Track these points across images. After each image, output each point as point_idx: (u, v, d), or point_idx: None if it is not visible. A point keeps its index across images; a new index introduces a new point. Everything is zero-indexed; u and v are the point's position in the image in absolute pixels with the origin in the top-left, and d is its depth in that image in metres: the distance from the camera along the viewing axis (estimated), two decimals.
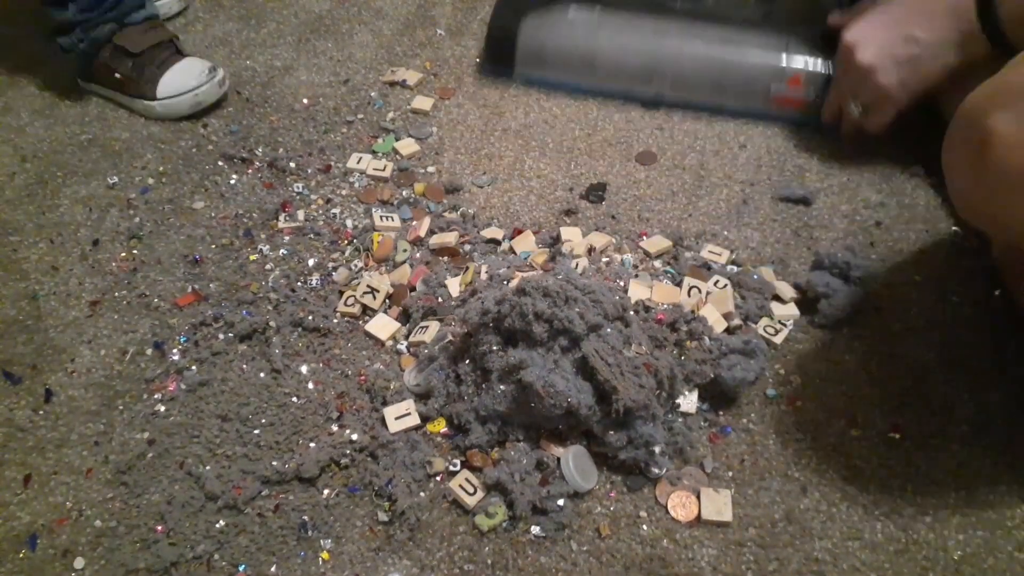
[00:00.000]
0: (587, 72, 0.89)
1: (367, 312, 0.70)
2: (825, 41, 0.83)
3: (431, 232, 0.75)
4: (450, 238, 0.73)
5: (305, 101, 0.92)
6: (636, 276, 0.69)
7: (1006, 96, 0.49)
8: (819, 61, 0.83)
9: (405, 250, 0.73)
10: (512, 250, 0.73)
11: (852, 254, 0.70)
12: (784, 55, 0.84)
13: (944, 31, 0.69)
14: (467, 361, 0.61)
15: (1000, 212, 0.51)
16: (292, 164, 0.84)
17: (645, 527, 0.56)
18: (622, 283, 0.67)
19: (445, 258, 0.73)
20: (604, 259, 0.71)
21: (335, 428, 0.62)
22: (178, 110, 0.88)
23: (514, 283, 0.64)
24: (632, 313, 0.62)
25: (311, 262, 0.74)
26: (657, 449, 0.58)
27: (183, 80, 0.87)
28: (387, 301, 0.70)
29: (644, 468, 0.58)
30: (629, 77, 0.88)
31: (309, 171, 0.83)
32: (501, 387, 0.57)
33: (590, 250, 0.72)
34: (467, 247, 0.74)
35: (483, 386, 0.59)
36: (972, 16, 0.66)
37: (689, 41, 0.86)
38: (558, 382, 0.55)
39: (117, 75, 0.88)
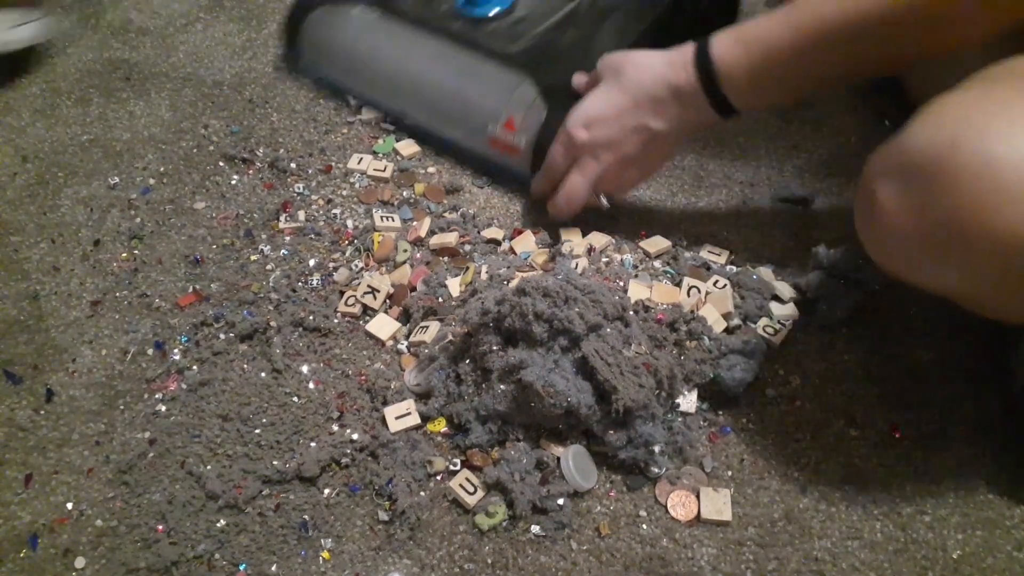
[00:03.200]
0: (352, 75, 0.87)
1: (367, 312, 0.70)
2: (564, 88, 0.75)
3: (431, 232, 0.75)
4: (450, 238, 0.73)
5: (306, 101, 0.92)
6: (636, 276, 0.69)
7: (892, 164, 0.49)
8: (540, 110, 0.74)
9: (405, 250, 0.74)
10: (512, 250, 0.74)
11: (851, 254, 0.69)
12: (507, 96, 0.77)
13: (674, 117, 0.66)
14: (467, 361, 0.61)
15: (900, 271, 0.52)
16: (293, 164, 0.84)
17: (645, 526, 0.56)
18: (622, 283, 0.68)
19: (445, 258, 0.73)
20: (604, 259, 0.71)
21: (336, 428, 0.62)
22: None
23: (514, 283, 0.64)
24: (632, 313, 0.62)
25: (312, 262, 0.74)
26: (657, 449, 0.58)
27: None
28: (387, 301, 0.70)
29: (644, 468, 0.58)
30: (380, 88, 0.86)
31: (310, 171, 0.83)
32: (501, 387, 0.58)
33: (590, 250, 0.72)
34: (467, 247, 0.74)
35: (483, 386, 0.59)
36: (699, 97, 0.63)
37: (430, 63, 0.82)
38: (558, 382, 0.55)
39: None
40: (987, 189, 0.44)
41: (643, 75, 0.66)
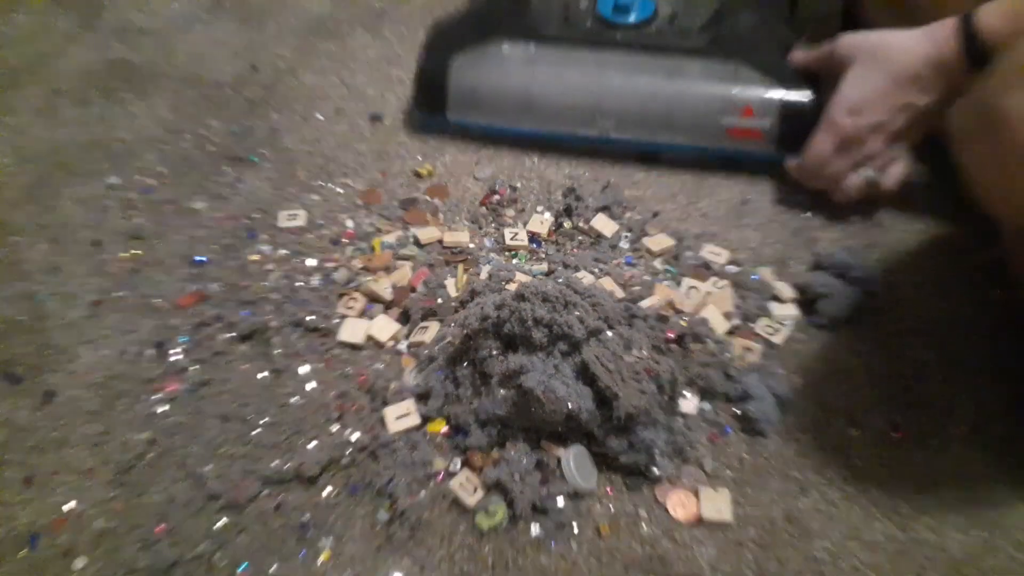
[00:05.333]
0: (525, 114, 0.81)
1: (367, 314, 0.70)
2: (780, 67, 0.79)
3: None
4: (463, 237, 0.74)
5: (306, 102, 0.92)
6: (662, 281, 0.69)
7: (1018, 77, 0.51)
8: (773, 88, 0.77)
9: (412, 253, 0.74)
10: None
11: (851, 255, 0.70)
12: (734, 84, 0.78)
13: (936, 89, 0.68)
14: (465, 364, 0.61)
15: (1018, 193, 0.53)
16: (293, 164, 0.84)
17: (645, 527, 0.56)
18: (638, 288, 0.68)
19: (449, 252, 0.73)
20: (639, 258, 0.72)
21: (335, 428, 0.62)
22: None
23: (513, 288, 0.64)
24: (634, 316, 0.62)
25: (312, 262, 0.74)
26: (657, 452, 0.58)
27: None
28: (387, 302, 0.70)
29: (644, 469, 0.58)
30: (570, 118, 0.81)
31: (310, 171, 0.83)
32: (501, 392, 0.57)
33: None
34: (470, 246, 0.74)
35: (482, 390, 0.59)
36: (959, 61, 0.65)
37: (632, 75, 0.79)
38: (558, 387, 0.55)
39: None
40: None
41: (904, 55, 0.68)
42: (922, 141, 0.74)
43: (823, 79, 0.77)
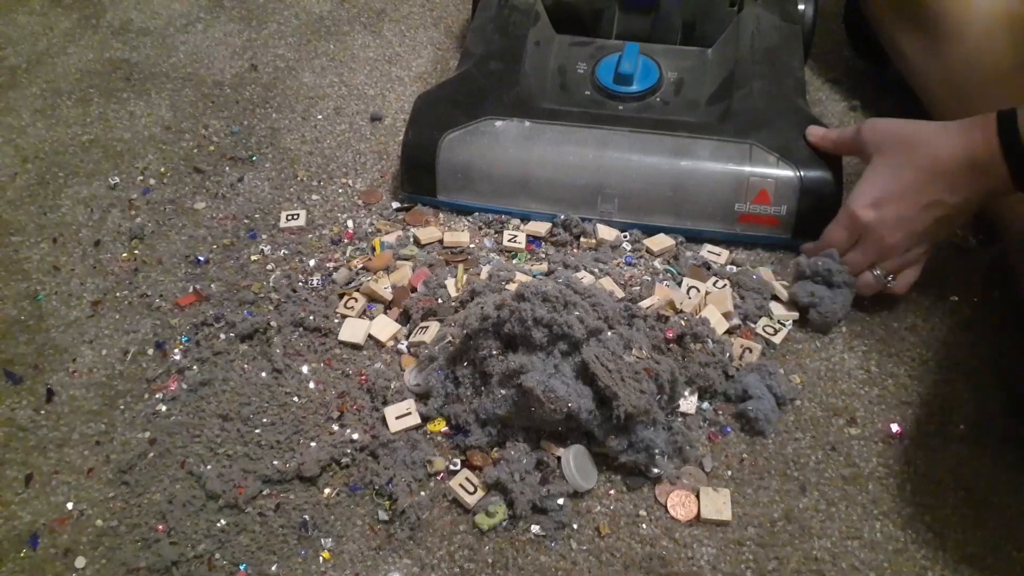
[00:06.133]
0: (521, 196, 0.75)
1: (367, 314, 0.70)
2: (797, 146, 0.72)
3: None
4: (463, 237, 0.74)
5: (306, 101, 0.92)
6: (663, 282, 0.69)
7: None
8: (790, 171, 0.70)
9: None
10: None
11: (832, 259, 0.68)
12: (748, 166, 0.71)
13: (968, 189, 0.62)
14: (465, 364, 0.61)
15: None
16: (293, 164, 0.84)
17: (645, 526, 0.56)
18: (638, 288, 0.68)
19: (449, 252, 0.73)
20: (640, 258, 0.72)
21: (336, 428, 0.62)
22: None
23: (513, 288, 0.64)
24: (634, 316, 0.62)
25: (312, 262, 0.74)
26: (657, 452, 0.58)
27: None
28: (387, 302, 0.70)
29: (644, 469, 0.58)
30: (569, 200, 0.74)
31: (310, 170, 0.83)
32: (501, 392, 0.57)
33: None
34: (471, 247, 0.75)
35: (482, 389, 0.59)
36: (1000, 169, 0.59)
37: (636, 154, 0.73)
38: (558, 387, 0.55)
39: None
40: None
41: (938, 150, 0.62)
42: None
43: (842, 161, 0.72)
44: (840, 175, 0.71)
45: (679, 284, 0.69)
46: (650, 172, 0.73)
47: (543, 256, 0.74)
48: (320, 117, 0.90)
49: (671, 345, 0.62)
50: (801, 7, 0.87)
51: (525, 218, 0.77)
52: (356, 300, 0.69)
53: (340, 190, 0.81)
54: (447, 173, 0.75)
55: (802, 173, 0.71)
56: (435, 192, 0.77)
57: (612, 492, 0.58)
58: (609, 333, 0.58)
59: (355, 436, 0.61)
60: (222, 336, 0.68)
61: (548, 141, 0.74)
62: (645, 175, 0.73)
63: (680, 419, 0.61)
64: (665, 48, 0.86)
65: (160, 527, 0.57)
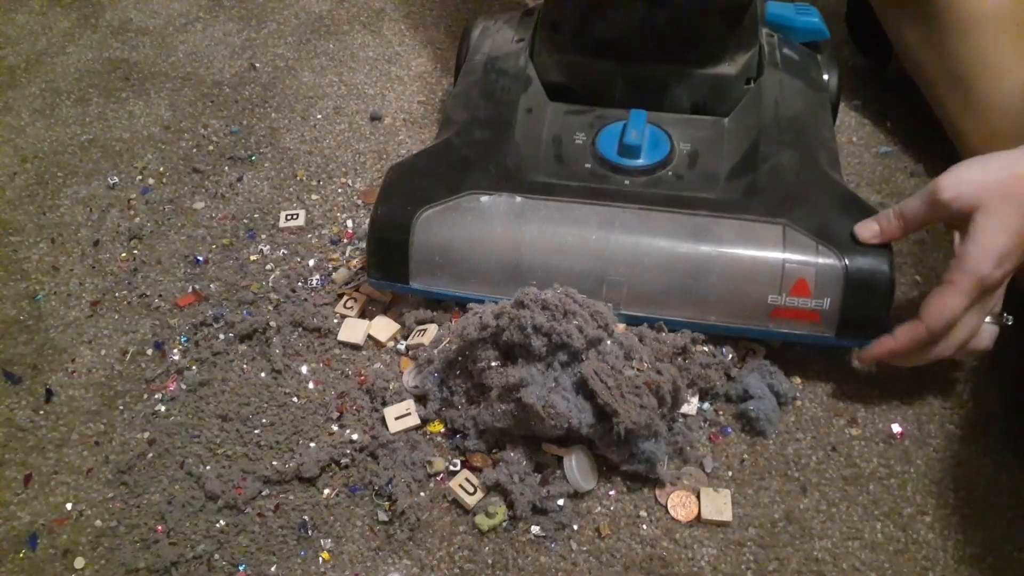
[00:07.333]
0: (510, 284, 0.61)
1: (367, 314, 0.70)
2: (839, 225, 0.61)
3: None
4: None
5: (305, 101, 0.92)
6: None
7: None
8: (834, 256, 0.59)
9: None
10: None
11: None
12: (782, 251, 0.60)
13: None
14: (458, 373, 0.60)
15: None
16: (292, 164, 0.84)
17: (645, 527, 0.56)
18: None
19: None
20: None
21: (335, 428, 0.62)
22: None
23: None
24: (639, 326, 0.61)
25: (311, 262, 0.74)
26: (659, 461, 0.58)
27: None
28: (387, 302, 0.70)
29: (645, 474, 0.58)
30: (563, 284, 0.60)
31: (310, 170, 0.83)
32: (501, 407, 0.57)
33: None
34: None
35: (479, 400, 0.59)
36: None
37: (646, 237, 0.61)
38: (559, 403, 0.55)
39: None
40: None
41: None
42: None
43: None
44: (892, 259, 0.60)
45: None
46: (664, 257, 0.61)
47: None
48: (319, 117, 0.90)
49: (674, 354, 0.62)
50: (826, 76, 0.77)
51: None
52: (356, 300, 0.69)
53: (339, 190, 0.81)
54: (422, 256, 0.63)
55: (847, 261, 0.59)
56: (407, 279, 0.65)
57: (612, 493, 0.58)
58: (609, 343, 0.57)
59: (355, 436, 0.61)
60: (221, 336, 0.68)
61: (543, 219, 0.62)
62: (658, 260, 0.61)
63: (680, 419, 0.61)
64: (675, 117, 0.73)
65: (159, 527, 0.56)
